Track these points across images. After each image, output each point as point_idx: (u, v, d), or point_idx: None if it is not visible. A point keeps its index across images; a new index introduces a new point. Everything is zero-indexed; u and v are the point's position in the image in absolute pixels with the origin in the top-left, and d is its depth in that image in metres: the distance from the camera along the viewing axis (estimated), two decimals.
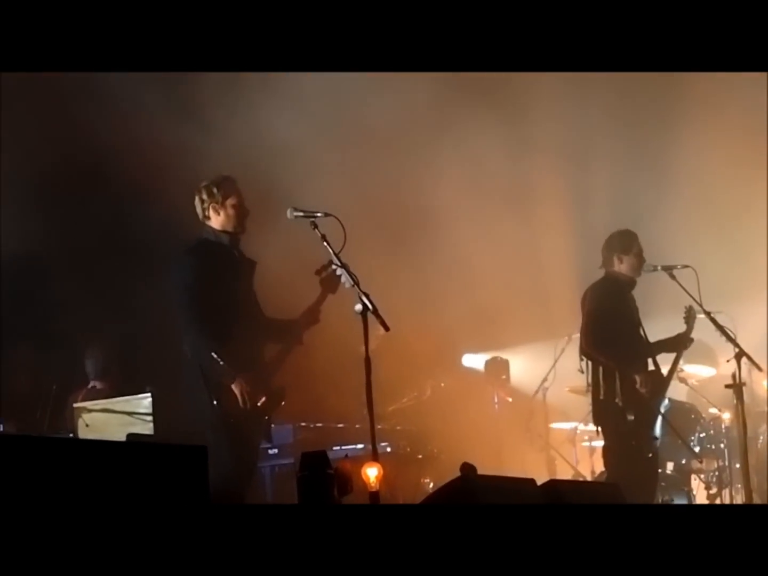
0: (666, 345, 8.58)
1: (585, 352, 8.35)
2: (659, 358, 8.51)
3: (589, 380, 8.31)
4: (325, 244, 6.35)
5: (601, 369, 8.22)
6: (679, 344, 8.56)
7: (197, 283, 7.06)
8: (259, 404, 7.04)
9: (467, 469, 5.54)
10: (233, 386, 6.92)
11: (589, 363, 8.32)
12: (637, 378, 8.13)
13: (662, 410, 8.41)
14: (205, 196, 7.24)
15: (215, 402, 6.91)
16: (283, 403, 7.31)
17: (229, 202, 7.22)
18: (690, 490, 9.53)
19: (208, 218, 7.24)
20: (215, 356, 6.89)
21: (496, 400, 11.09)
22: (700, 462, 9.40)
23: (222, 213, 7.21)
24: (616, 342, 8.21)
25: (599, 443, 9.26)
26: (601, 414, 8.30)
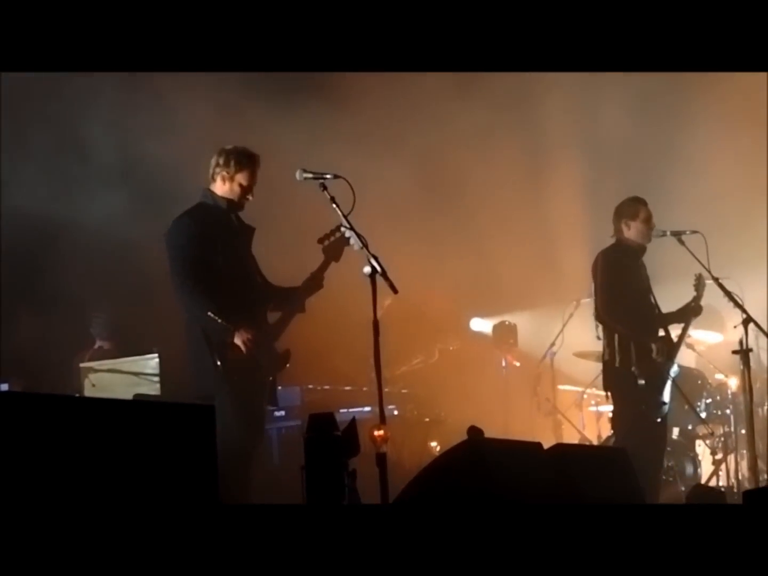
0: (676, 315, 8.56)
1: (600, 318, 8.33)
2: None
3: (605, 346, 8.29)
4: (334, 206, 6.30)
5: (616, 336, 8.21)
6: (689, 313, 8.53)
7: (190, 245, 6.97)
8: (262, 363, 7.02)
9: (474, 432, 5.54)
10: (235, 338, 6.87)
11: (603, 329, 8.30)
12: (654, 347, 8.15)
13: (671, 375, 8.40)
14: (221, 161, 7.11)
15: (218, 363, 6.87)
16: (288, 365, 7.27)
17: (239, 178, 7.09)
18: (695, 456, 9.56)
19: (213, 181, 7.14)
20: (212, 315, 6.85)
21: (503, 364, 11.10)
22: (709, 428, 9.39)
23: (227, 184, 7.09)
24: (629, 309, 8.19)
25: (606, 408, 9.27)
26: (613, 380, 8.29)
